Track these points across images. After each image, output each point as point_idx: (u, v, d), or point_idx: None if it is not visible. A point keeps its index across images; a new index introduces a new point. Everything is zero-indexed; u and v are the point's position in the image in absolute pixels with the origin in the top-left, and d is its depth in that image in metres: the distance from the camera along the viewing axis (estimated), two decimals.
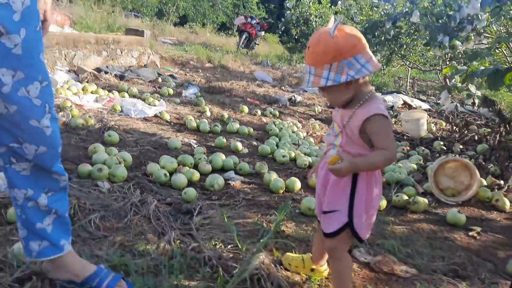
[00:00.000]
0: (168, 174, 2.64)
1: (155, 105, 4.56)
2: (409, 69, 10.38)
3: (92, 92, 4.61)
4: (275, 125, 4.60)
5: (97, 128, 3.43)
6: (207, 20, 25.18)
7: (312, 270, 1.75)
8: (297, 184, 2.81)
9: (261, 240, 1.69)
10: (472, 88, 4.59)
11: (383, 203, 2.64)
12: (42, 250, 1.34)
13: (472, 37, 4.64)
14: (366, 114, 1.33)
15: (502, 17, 4.48)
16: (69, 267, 1.40)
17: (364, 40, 1.33)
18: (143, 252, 1.73)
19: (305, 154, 3.63)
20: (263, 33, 15.40)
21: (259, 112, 5.32)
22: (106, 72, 5.83)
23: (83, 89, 4.58)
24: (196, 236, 1.93)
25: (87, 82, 5.07)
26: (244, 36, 13.58)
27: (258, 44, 15.50)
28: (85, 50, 5.96)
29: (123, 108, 4.20)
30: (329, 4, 16.48)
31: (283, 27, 18.13)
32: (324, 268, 1.76)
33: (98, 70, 5.91)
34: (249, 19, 14.00)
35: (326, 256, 1.71)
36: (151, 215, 2.08)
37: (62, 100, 3.94)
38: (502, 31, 5.41)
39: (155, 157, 3.06)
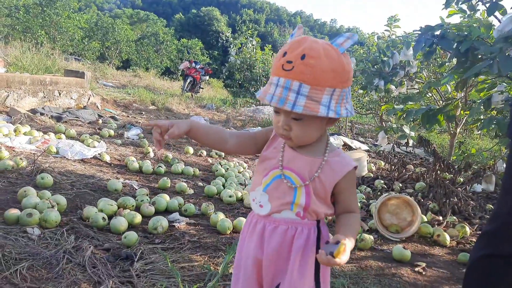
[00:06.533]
0: (106, 218, 2.46)
1: (94, 147, 4.34)
2: None
3: (25, 134, 4.31)
4: (221, 166, 4.54)
5: (29, 171, 3.17)
6: (151, 65, 25.25)
7: None
8: None
9: (208, 284, 1.58)
10: (406, 129, 4.87)
11: None
12: None
13: (405, 82, 4.99)
14: (347, 167, 1.06)
15: (431, 64, 4.86)
16: None
17: None
18: None
19: None
20: (207, 77, 15.66)
21: (205, 153, 5.24)
22: (42, 114, 5.53)
23: (15, 131, 4.27)
24: (137, 283, 1.77)
25: (20, 123, 4.76)
26: (188, 80, 13.70)
27: (202, 88, 15.70)
28: (19, 91, 5.65)
29: (59, 150, 3.95)
30: (271, 52, 17.27)
31: (227, 72, 18.61)
32: None
33: (34, 111, 5.60)
34: (193, 64, 14.21)
35: None
36: (87, 262, 1.90)
37: None
38: (432, 77, 5.87)
39: (92, 200, 2.86)
